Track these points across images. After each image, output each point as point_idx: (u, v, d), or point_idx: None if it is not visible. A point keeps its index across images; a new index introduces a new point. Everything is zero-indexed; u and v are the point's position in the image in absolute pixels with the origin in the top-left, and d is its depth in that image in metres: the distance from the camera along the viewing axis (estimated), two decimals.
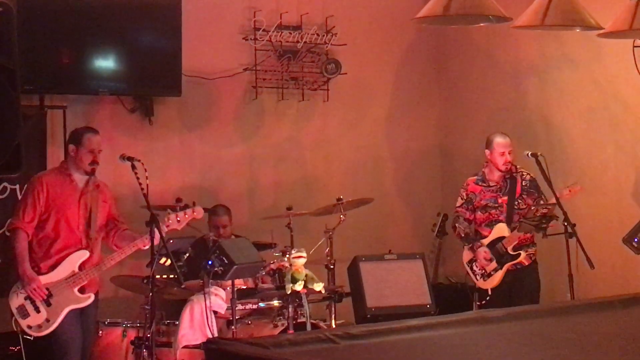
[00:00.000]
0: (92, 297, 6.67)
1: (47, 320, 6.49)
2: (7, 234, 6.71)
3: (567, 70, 8.68)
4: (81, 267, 6.61)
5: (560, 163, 8.38)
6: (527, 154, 7.56)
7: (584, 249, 7.08)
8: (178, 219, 6.69)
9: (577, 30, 6.40)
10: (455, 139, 9.83)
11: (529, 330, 4.90)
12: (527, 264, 7.73)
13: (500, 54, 9.31)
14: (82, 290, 6.63)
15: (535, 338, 4.79)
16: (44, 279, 6.51)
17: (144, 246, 6.62)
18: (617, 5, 6.23)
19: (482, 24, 6.34)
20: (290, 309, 7.06)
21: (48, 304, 6.49)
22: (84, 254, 6.62)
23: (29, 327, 6.47)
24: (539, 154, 7.47)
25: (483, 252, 7.70)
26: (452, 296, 8.89)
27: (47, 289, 6.50)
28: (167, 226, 6.64)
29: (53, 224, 6.60)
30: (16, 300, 6.49)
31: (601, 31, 6.13)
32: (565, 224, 7.25)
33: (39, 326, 6.48)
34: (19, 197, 7.74)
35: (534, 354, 4.49)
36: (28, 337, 6.51)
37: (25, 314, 6.47)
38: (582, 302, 6.24)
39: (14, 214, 6.68)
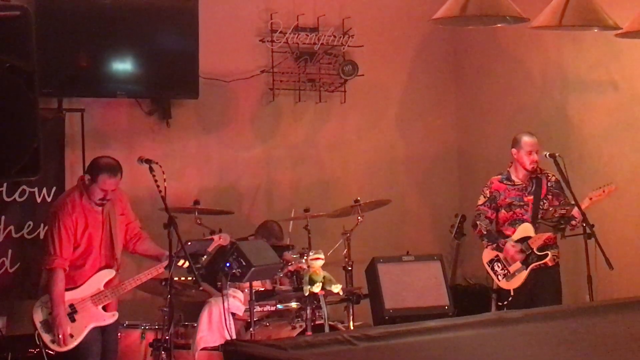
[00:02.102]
0: (116, 315, 6.71)
1: (71, 335, 6.48)
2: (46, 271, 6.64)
3: (585, 71, 8.65)
4: (106, 285, 6.65)
5: (579, 164, 8.35)
6: (546, 155, 7.54)
7: (603, 250, 7.06)
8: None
9: (595, 31, 6.37)
10: (473, 140, 9.81)
11: (548, 332, 4.89)
12: (551, 265, 7.68)
13: (517, 54, 9.29)
14: (105, 308, 6.65)
15: (553, 339, 4.77)
16: (70, 295, 6.51)
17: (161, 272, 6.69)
18: (635, 5, 6.20)
19: (499, 25, 6.33)
20: (308, 311, 7.06)
21: (72, 319, 6.50)
22: (110, 273, 6.67)
23: (53, 341, 6.46)
24: (557, 154, 7.45)
25: (511, 246, 7.62)
26: (470, 297, 8.87)
27: (72, 304, 6.50)
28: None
29: (81, 252, 6.60)
30: (40, 314, 6.49)
31: (619, 31, 6.11)
32: (584, 225, 7.23)
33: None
34: (38, 200, 7.79)
35: (552, 355, 4.48)
36: (50, 352, 6.51)
37: (49, 329, 6.47)
38: (601, 303, 6.21)
39: (47, 251, 6.55)
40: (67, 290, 6.52)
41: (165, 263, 6.59)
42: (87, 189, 6.62)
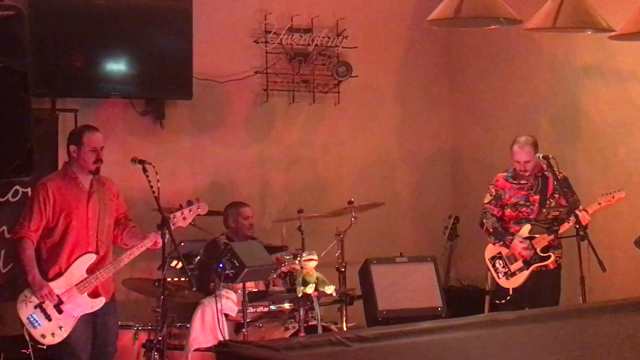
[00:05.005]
0: (103, 300, 6.55)
1: (60, 327, 6.39)
2: (12, 242, 6.58)
3: (579, 73, 8.66)
4: (89, 270, 6.49)
5: (571, 165, 8.36)
6: (539, 157, 7.53)
7: (596, 252, 7.06)
8: (183, 216, 6.66)
9: (589, 33, 6.39)
10: (467, 141, 9.82)
11: (541, 333, 4.89)
12: (552, 267, 7.65)
13: (511, 56, 9.30)
14: (93, 294, 6.53)
15: (546, 341, 4.78)
16: (54, 285, 6.38)
17: (153, 246, 6.58)
18: (629, 7, 6.22)
19: (493, 27, 6.34)
20: (301, 312, 7.06)
21: (59, 311, 6.39)
22: (90, 258, 6.51)
23: (43, 336, 6.35)
24: (550, 156, 7.43)
25: (519, 242, 7.56)
26: (463, 299, 8.88)
27: (57, 296, 6.38)
28: (174, 224, 6.57)
29: (62, 230, 6.48)
30: (25, 310, 6.36)
31: (612, 33, 6.12)
32: (577, 226, 7.22)
33: (53, 334, 6.37)
34: None
35: (545, 356, 4.49)
36: (41, 346, 6.41)
37: (36, 324, 6.38)
38: (594, 305, 6.22)
39: (18, 222, 6.52)
40: (51, 279, 6.40)
41: (147, 242, 6.52)
42: (78, 161, 6.55)
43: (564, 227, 7.41)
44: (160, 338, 6.62)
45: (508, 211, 7.74)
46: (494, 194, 7.80)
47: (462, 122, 9.89)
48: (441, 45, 9.89)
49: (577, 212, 7.23)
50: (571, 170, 8.09)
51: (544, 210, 7.56)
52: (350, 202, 8.02)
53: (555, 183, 7.63)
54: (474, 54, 9.68)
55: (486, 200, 7.83)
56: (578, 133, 8.68)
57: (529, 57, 9.13)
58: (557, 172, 7.38)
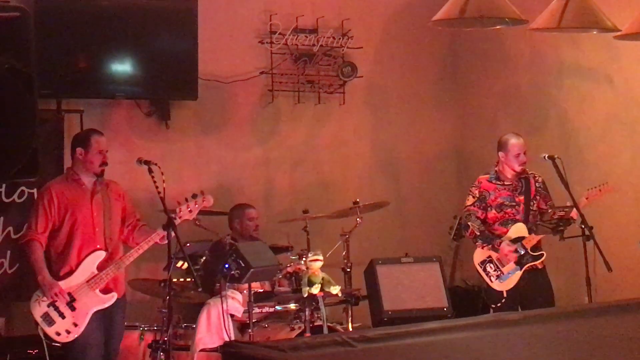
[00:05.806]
0: (115, 296, 6.60)
1: (75, 324, 6.44)
2: (21, 246, 6.64)
3: (584, 73, 8.65)
4: (100, 267, 6.55)
5: (577, 165, 8.35)
6: (544, 157, 7.48)
7: (602, 252, 7.04)
8: (189, 209, 6.67)
9: (594, 33, 6.39)
10: (472, 141, 9.82)
11: (546, 333, 4.89)
12: (540, 267, 7.63)
13: (516, 57, 9.29)
14: (105, 291, 6.57)
15: (552, 341, 4.78)
16: (64, 284, 6.44)
17: (161, 240, 6.58)
18: (634, 7, 6.22)
19: (498, 27, 6.35)
20: (307, 312, 7.06)
21: (72, 308, 6.44)
22: (100, 255, 6.57)
23: (58, 333, 6.40)
24: (555, 156, 7.41)
25: (507, 246, 7.50)
26: (468, 299, 8.86)
27: (69, 293, 6.44)
28: (180, 217, 6.60)
29: (67, 229, 6.55)
30: (39, 309, 6.42)
31: (618, 33, 6.12)
32: (583, 226, 7.20)
33: (67, 331, 6.42)
34: None
35: (551, 357, 4.49)
36: (57, 344, 6.45)
37: (50, 322, 6.40)
38: (600, 305, 6.22)
39: (25, 227, 6.64)
40: (62, 278, 6.46)
41: (155, 235, 6.56)
42: (84, 163, 6.64)
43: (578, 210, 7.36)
44: (165, 338, 6.64)
45: (492, 213, 7.64)
46: (477, 195, 7.70)
47: (467, 122, 9.88)
48: (446, 45, 9.88)
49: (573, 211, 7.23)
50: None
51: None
52: (355, 203, 8.03)
53: (536, 185, 7.61)
54: (479, 54, 9.67)
55: (469, 203, 7.71)
56: (586, 135, 8.67)
57: (535, 58, 9.12)
58: (562, 173, 7.34)
